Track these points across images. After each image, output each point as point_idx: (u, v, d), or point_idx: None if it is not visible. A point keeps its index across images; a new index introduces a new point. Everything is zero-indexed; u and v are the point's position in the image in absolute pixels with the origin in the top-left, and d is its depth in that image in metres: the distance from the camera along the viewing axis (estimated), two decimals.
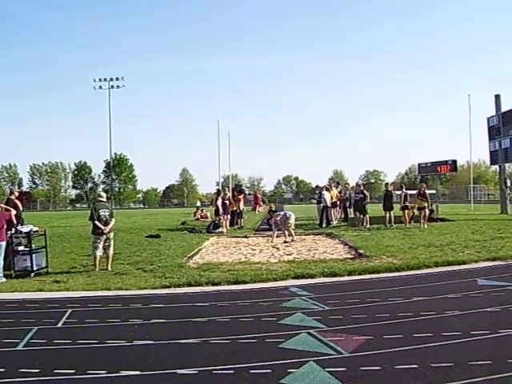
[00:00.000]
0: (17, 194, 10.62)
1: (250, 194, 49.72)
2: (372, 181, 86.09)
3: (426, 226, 15.31)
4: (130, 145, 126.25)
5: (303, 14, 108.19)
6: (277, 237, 14.48)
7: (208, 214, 23.45)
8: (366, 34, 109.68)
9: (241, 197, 19.99)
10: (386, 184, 19.00)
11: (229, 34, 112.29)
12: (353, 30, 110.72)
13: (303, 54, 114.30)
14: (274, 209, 18.53)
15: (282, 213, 14.27)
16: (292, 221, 13.71)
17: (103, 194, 10.31)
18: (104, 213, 9.26)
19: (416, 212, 18.64)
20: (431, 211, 16.30)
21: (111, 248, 9.30)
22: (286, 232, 13.69)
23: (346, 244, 12.34)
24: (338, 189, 20.77)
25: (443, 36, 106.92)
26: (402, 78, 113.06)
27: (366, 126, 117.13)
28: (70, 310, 5.95)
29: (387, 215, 16.81)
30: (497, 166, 25.81)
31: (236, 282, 7.56)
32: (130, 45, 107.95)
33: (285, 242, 13.28)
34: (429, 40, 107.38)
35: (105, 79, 68.13)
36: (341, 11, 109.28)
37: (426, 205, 15.78)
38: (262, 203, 37.19)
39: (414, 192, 18.40)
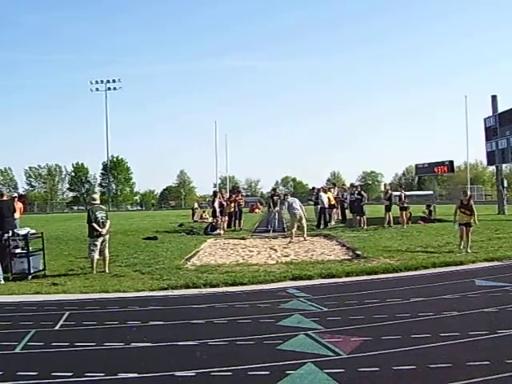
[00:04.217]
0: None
1: (247, 196, 49.73)
2: (369, 182, 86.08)
3: (469, 250, 10.20)
4: (127, 146, 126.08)
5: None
6: (274, 238, 14.52)
7: (207, 216, 23.42)
8: (364, 44, 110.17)
9: (238, 198, 19.97)
10: (385, 185, 19.51)
11: (231, 35, 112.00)
12: (352, 42, 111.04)
13: (302, 57, 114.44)
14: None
15: (286, 205, 14.11)
16: (298, 216, 13.78)
17: (96, 196, 10.22)
18: (100, 214, 9.25)
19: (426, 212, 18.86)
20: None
21: (107, 250, 9.29)
22: (294, 230, 13.68)
23: (344, 245, 12.35)
24: (334, 190, 20.77)
25: (447, 43, 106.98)
26: (402, 86, 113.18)
27: (363, 128, 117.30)
28: (67, 313, 5.93)
29: (387, 216, 16.91)
30: (494, 167, 25.89)
31: (234, 284, 7.55)
32: (128, 47, 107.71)
33: (290, 242, 13.31)
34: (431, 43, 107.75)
35: (101, 81, 68.26)
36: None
37: (472, 220, 10.60)
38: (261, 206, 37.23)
39: (411, 193, 18.50)
